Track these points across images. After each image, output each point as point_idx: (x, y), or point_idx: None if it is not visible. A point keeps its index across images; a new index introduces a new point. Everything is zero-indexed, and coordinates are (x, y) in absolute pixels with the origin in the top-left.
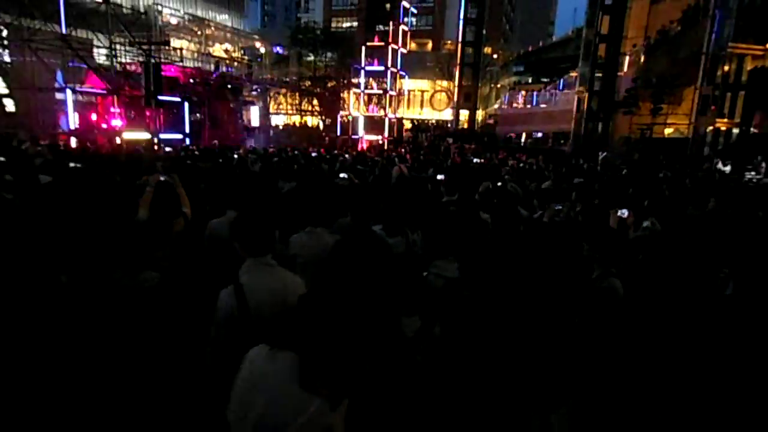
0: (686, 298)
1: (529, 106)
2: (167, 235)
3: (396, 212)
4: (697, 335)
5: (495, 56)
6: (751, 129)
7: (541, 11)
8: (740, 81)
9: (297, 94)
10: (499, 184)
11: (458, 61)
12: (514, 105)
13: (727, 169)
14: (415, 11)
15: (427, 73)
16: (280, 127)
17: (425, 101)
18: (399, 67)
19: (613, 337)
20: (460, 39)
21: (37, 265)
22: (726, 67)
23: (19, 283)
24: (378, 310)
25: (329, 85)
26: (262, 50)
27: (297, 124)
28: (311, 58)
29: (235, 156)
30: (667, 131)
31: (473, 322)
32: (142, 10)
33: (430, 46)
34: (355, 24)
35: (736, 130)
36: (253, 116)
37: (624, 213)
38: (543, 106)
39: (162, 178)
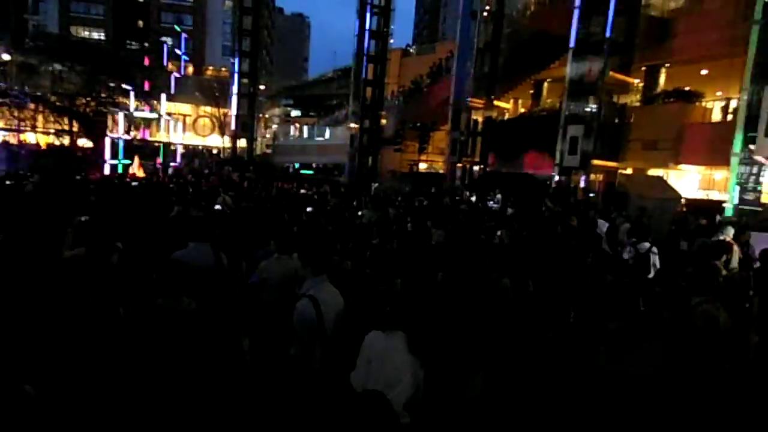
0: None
1: (303, 138)
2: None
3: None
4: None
5: (262, 87)
6: (487, 167)
7: (296, 48)
8: (476, 128)
9: (52, 110)
10: None
11: (235, 91)
12: (289, 137)
13: (473, 198)
14: (179, 30)
15: (190, 98)
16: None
17: (188, 126)
18: (173, 91)
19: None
20: (236, 70)
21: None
22: (466, 116)
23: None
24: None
25: (91, 102)
26: (5, 57)
27: (50, 145)
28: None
29: None
30: (423, 166)
31: None
32: None
33: (191, 69)
34: (97, 35)
35: (476, 167)
36: None
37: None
38: (318, 139)
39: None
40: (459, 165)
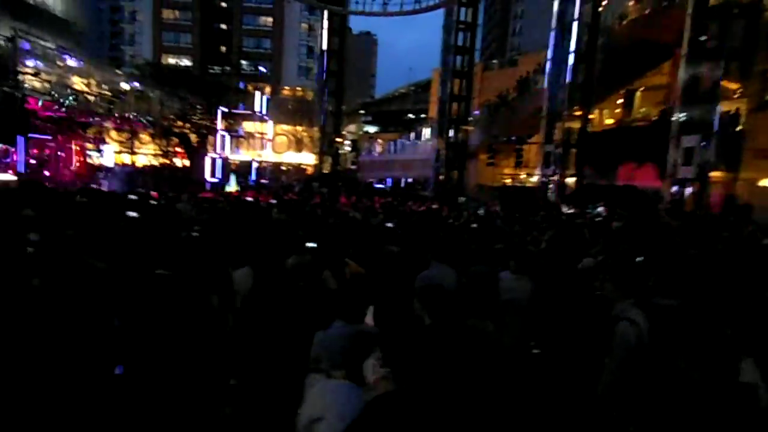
0: None
1: (387, 154)
2: None
3: None
4: None
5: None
6: (584, 180)
7: (365, 66)
8: (570, 139)
9: (161, 133)
10: None
11: (320, 109)
12: (373, 152)
13: (571, 211)
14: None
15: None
16: (140, 168)
17: (263, 144)
18: (266, 112)
19: None
20: (324, 89)
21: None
22: (560, 129)
23: None
24: None
25: (198, 124)
26: (125, 86)
27: (158, 165)
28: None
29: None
30: (507, 180)
31: None
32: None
33: (268, 90)
34: (185, 62)
35: (571, 180)
36: (107, 155)
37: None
38: (401, 154)
39: None
40: (553, 178)
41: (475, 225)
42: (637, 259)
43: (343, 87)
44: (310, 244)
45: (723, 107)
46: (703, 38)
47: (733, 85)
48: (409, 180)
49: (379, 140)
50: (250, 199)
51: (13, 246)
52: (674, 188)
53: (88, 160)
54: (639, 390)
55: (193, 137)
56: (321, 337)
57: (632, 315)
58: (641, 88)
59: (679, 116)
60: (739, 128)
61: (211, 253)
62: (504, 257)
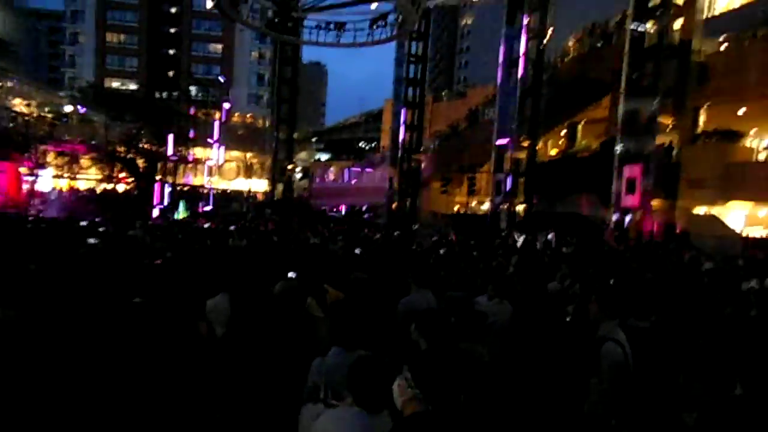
0: None
1: (340, 181)
2: None
3: None
4: None
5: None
6: (532, 207)
7: (315, 95)
8: (519, 168)
9: (105, 158)
10: None
11: (275, 136)
12: (326, 180)
13: (521, 238)
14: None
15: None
16: (82, 193)
17: (213, 170)
18: (218, 138)
19: None
20: (275, 115)
21: None
22: (509, 158)
23: None
24: None
25: (145, 149)
26: (67, 108)
27: (101, 191)
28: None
29: None
30: (456, 208)
31: None
32: None
33: (218, 116)
34: (131, 85)
35: (519, 207)
36: (44, 179)
37: None
38: (354, 182)
39: None
40: (503, 206)
41: (442, 251)
42: (611, 281)
43: (295, 115)
44: (290, 273)
45: (658, 140)
46: (638, 76)
47: (667, 120)
48: (363, 207)
49: (332, 167)
50: (206, 225)
51: None
52: (616, 216)
53: (23, 186)
54: (627, 406)
55: (140, 162)
56: (319, 365)
57: (617, 336)
58: (583, 121)
59: (620, 148)
60: (673, 159)
61: (183, 281)
62: (473, 282)
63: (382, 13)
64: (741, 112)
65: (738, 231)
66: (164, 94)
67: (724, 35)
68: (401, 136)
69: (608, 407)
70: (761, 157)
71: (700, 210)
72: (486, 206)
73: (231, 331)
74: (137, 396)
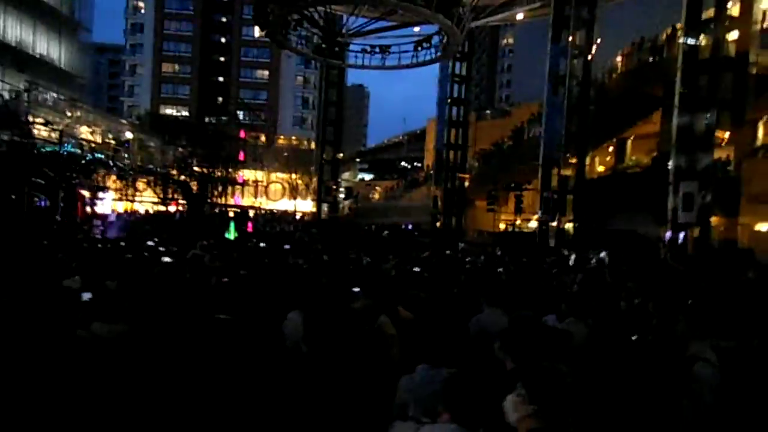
0: None
1: (384, 200)
2: None
3: None
4: None
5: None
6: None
7: (358, 116)
8: (567, 186)
9: (160, 181)
10: None
11: (320, 157)
12: (371, 199)
13: (572, 257)
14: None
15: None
16: (140, 215)
17: (260, 191)
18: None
19: None
20: (319, 137)
21: None
22: (556, 176)
23: None
24: None
25: (198, 172)
26: (128, 135)
27: (155, 212)
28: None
29: None
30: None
31: None
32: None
33: (263, 139)
34: (183, 112)
35: (568, 225)
36: (104, 202)
37: None
38: (399, 201)
39: None
40: (552, 223)
41: (500, 269)
42: (689, 302)
43: (340, 136)
44: (356, 289)
45: (716, 154)
46: (692, 89)
47: (723, 133)
48: (409, 226)
49: (377, 187)
50: (261, 245)
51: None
52: (670, 233)
53: (87, 209)
54: (720, 427)
55: (193, 185)
56: (407, 383)
57: (708, 356)
58: (632, 137)
59: (675, 163)
60: (732, 174)
61: (258, 298)
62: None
63: (427, 36)
64: None
65: None
66: (214, 119)
67: None
68: (445, 155)
69: (702, 429)
70: None
71: (763, 227)
72: (533, 224)
73: (309, 348)
74: (237, 407)
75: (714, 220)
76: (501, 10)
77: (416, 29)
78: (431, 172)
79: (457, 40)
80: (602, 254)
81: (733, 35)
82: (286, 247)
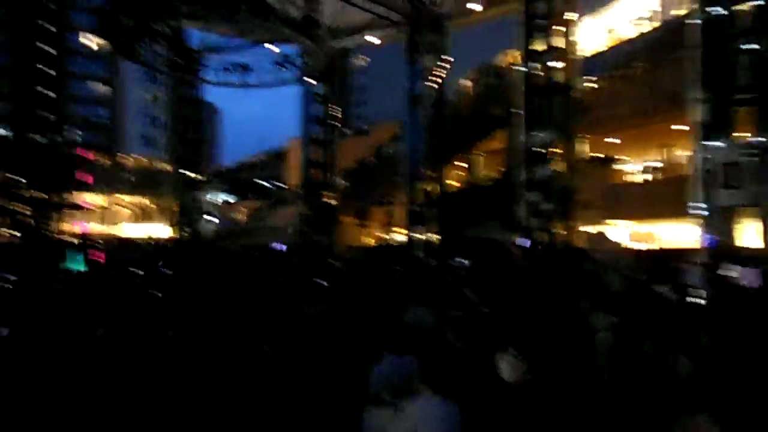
0: None
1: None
2: None
3: None
4: None
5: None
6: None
7: (208, 133)
8: (431, 200)
9: None
10: None
11: (174, 179)
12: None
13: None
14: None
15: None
16: None
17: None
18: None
19: None
20: (173, 157)
21: None
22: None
23: None
24: None
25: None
26: None
27: None
28: None
29: None
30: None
31: None
32: None
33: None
34: (1, 131)
35: (433, 237)
36: None
37: None
38: (266, 221)
39: None
40: (420, 236)
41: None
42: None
43: (198, 156)
44: None
45: (554, 167)
46: (531, 110)
47: (558, 149)
48: (284, 248)
49: (242, 207)
50: None
51: None
52: (521, 238)
53: None
54: None
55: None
56: (378, 371)
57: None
58: (482, 153)
59: (523, 176)
60: (567, 185)
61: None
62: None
63: (287, 55)
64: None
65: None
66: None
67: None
68: (313, 174)
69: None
70: (637, 179)
71: (590, 229)
72: (400, 237)
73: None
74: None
75: (555, 224)
76: (357, 33)
77: (276, 49)
78: (299, 191)
79: (318, 60)
80: (465, 262)
81: (560, 64)
82: None
